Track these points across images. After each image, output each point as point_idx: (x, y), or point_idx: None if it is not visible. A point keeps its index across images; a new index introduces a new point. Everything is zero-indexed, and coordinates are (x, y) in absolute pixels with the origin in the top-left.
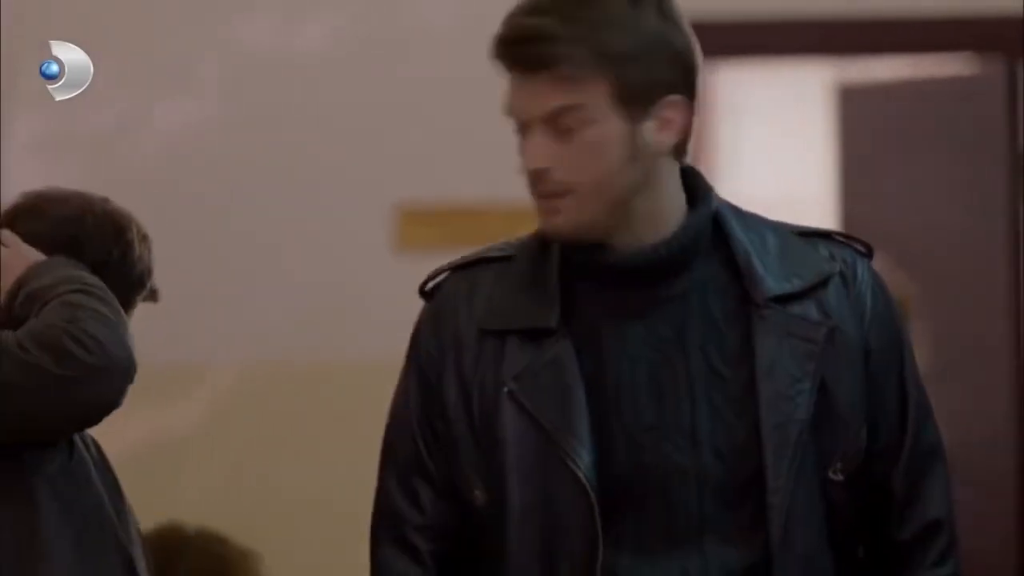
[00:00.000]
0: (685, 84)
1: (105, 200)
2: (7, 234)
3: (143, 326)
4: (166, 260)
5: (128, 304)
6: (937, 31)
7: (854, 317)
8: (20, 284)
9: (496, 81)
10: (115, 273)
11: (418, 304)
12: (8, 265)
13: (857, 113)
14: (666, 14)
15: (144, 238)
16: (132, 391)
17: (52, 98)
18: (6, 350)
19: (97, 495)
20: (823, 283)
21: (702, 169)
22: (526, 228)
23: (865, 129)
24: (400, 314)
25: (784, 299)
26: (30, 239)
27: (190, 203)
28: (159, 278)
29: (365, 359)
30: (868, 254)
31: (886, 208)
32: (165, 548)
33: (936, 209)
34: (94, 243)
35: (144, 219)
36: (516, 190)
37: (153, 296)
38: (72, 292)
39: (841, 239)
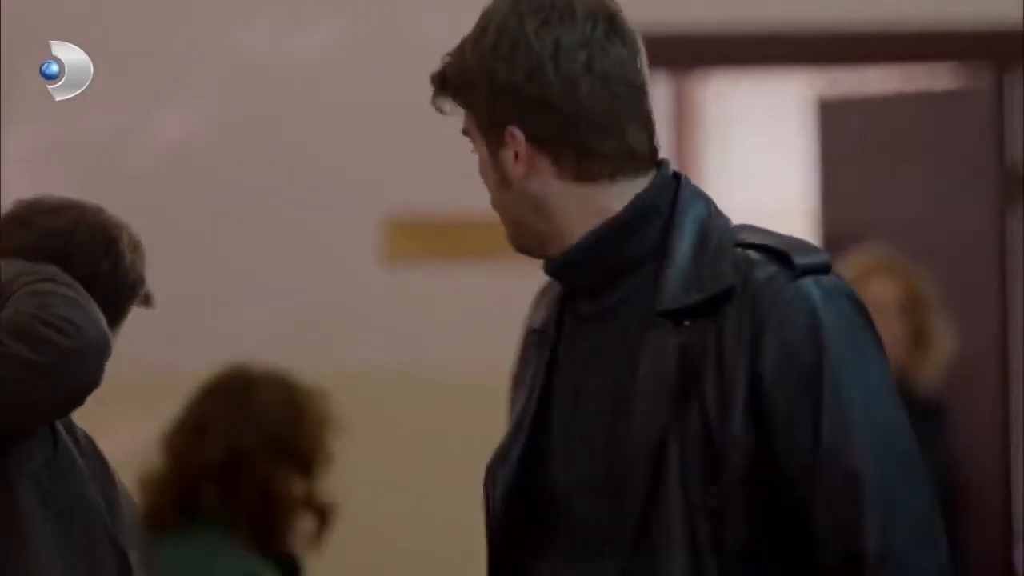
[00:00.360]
0: (519, 117)
1: (99, 210)
2: None
3: (135, 334)
4: (159, 268)
5: (120, 314)
6: (926, 42)
7: (745, 337)
8: None
9: None
10: (106, 284)
11: (407, 314)
12: None
13: (840, 125)
14: (499, 47)
15: (136, 247)
16: (125, 400)
17: (50, 105)
18: None
19: (84, 489)
20: (724, 298)
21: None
22: None
23: (848, 141)
24: (388, 324)
25: (677, 313)
26: (18, 250)
27: (184, 211)
28: (152, 286)
29: (357, 368)
30: (799, 272)
31: (869, 220)
32: (235, 387)
33: (922, 222)
34: (84, 255)
35: (139, 226)
36: None
37: (147, 302)
38: (36, 281)
39: (776, 253)
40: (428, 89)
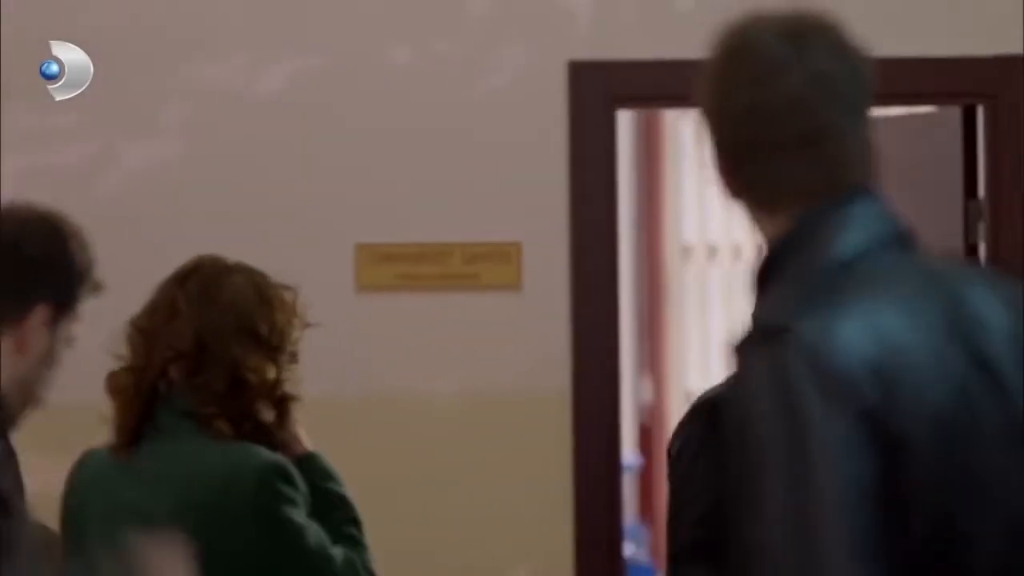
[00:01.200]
0: (718, 151)
1: (31, 205)
2: None
3: (105, 360)
4: (129, 298)
5: (76, 297)
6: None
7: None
8: None
9: (454, 126)
10: (59, 268)
11: (377, 341)
12: None
13: None
14: (700, 87)
15: (76, 233)
16: (87, 431)
17: (19, 137)
18: None
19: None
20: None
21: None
22: (484, 268)
23: None
24: (359, 352)
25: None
26: None
27: (153, 243)
28: (124, 315)
29: (325, 395)
30: (761, 335)
31: None
32: (205, 274)
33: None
34: (33, 242)
35: (108, 258)
36: (475, 232)
37: (97, 289)
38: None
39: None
40: (398, 122)
